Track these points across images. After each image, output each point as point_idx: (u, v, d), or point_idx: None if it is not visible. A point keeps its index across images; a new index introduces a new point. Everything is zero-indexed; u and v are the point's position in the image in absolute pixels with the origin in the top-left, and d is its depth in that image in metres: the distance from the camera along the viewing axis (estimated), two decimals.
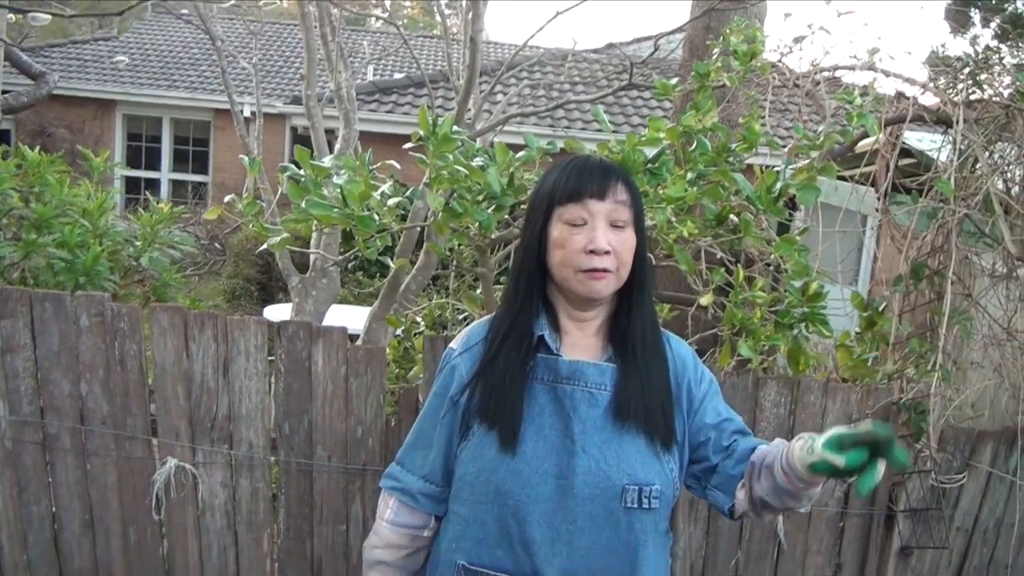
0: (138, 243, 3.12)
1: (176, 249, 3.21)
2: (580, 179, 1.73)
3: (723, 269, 2.69)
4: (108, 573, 2.79)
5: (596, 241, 1.67)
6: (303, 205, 2.45)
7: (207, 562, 2.79)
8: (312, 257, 5.43)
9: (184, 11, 19.34)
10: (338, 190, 2.46)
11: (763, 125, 3.08)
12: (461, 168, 2.43)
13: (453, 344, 1.89)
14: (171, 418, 2.68)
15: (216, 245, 10.88)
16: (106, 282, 2.93)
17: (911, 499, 2.94)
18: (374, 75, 14.21)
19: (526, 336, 1.77)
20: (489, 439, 1.76)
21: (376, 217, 2.46)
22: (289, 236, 2.68)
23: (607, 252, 1.67)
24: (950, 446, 2.96)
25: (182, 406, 2.68)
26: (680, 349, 1.89)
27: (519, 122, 7.90)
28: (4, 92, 6.79)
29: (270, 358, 2.68)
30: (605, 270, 1.69)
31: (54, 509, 2.77)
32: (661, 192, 2.40)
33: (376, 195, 2.57)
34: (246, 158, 2.96)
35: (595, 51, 10.51)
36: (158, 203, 3.48)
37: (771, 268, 2.82)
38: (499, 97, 10.17)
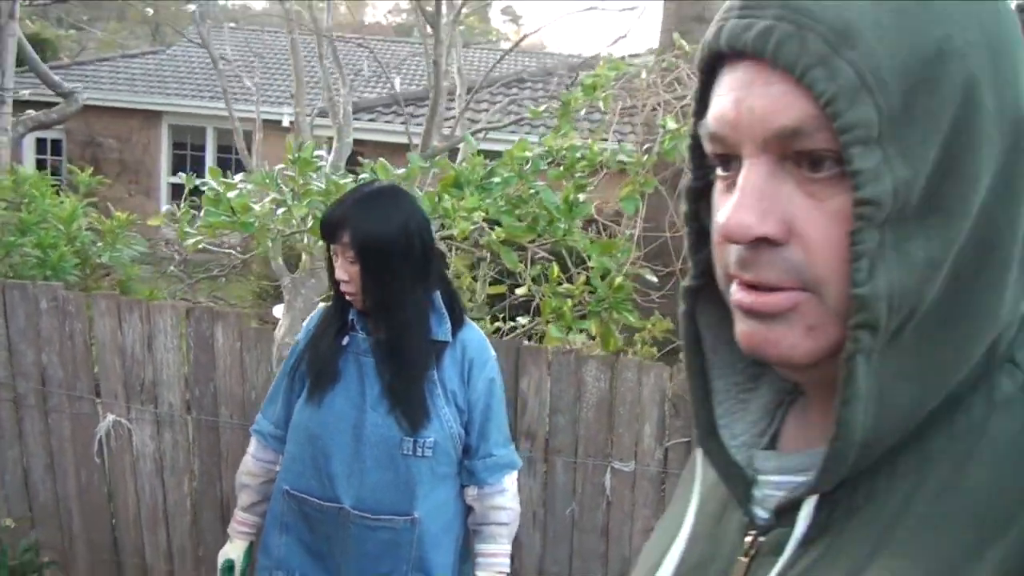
0: (99, 244, 3.84)
1: (133, 249, 3.92)
2: (322, 230, 2.39)
3: (549, 265, 3.32)
4: (66, 507, 3.50)
5: (338, 274, 2.34)
6: (203, 215, 3.14)
7: (142, 500, 3.48)
8: (303, 258, 6.15)
9: (231, 23, 20.28)
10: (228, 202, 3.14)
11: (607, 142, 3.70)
12: (321, 185, 3.10)
13: (303, 323, 2.60)
14: (110, 382, 3.39)
15: (236, 251, 11.64)
16: (69, 275, 3.65)
17: None
18: (400, 87, 14.97)
19: (342, 320, 2.45)
20: (308, 395, 2.45)
21: (256, 222, 3.13)
22: (201, 239, 3.36)
23: (347, 282, 2.33)
24: None
25: (118, 373, 3.37)
26: (473, 337, 2.52)
27: (512, 131, 8.54)
28: (37, 110, 7.62)
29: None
30: (351, 293, 2.35)
31: (23, 456, 3.50)
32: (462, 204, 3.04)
33: (266, 205, 3.24)
34: (183, 175, 3.67)
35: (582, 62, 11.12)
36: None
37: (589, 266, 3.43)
38: (485, 106, 10.81)
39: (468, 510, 2.53)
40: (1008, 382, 0.67)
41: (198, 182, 3.53)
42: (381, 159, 3.48)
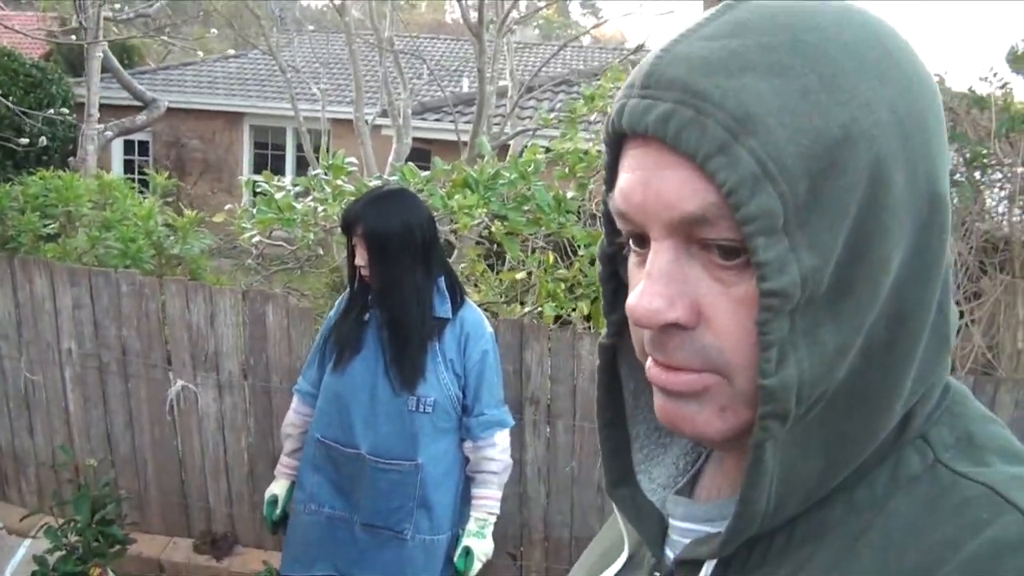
0: (171, 237, 4.48)
1: (202, 242, 4.55)
2: (342, 225, 2.91)
3: (547, 252, 3.85)
4: (142, 458, 4.15)
5: (357, 261, 2.87)
6: (255, 212, 3.74)
7: (206, 453, 4.11)
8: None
9: (311, 27, 21.05)
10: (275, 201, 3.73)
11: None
12: (352, 186, 3.67)
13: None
14: (179, 353, 4.01)
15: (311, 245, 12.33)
16: (146, 264, 4.28)
17: None
18: (469, 87, 15.53)
19: (363, 301, 3.01)
20: (334, 362, 3.03)
21: (299, 219, 3.72)
22: (255, 232, 3.96)
23: (364, 267, 2.86)
24: None
25: (186, 345, 4.00)
26: (471, 315, 3.06)
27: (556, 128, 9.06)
28: (124, 113, 8.34)
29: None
30: (368, 276, 2.88)
31: (106, 413, 4.15)
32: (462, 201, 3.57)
33: (309, 204, 3.83)
34: (242, 178, 4.27)
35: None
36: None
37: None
38: (545, 104, 11.28)
39: (466, 460, 3.08)
40: (917, 460, 0.67)
41: (255, 182, 4.14)
42: (409, 164, 4.03)
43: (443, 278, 2.97)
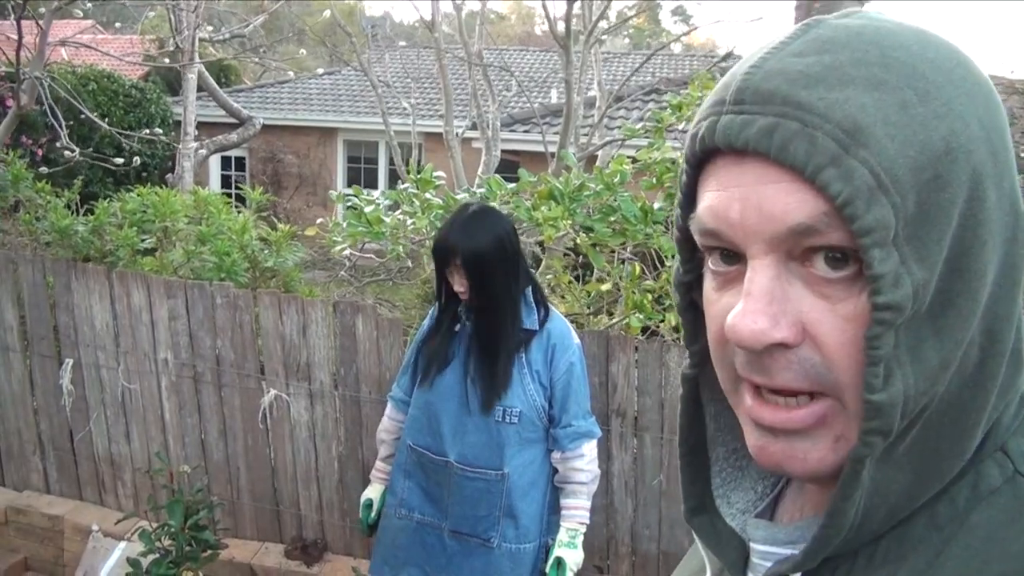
0: (266, 251, 4.58)
1: (295, 255, 4.64)
2: (437, 255, 2.91)
3: (632, 264, 3.83)
4: (235, 465, 4.24)
5: (456, 288, 2.88)
6: (345, 226, 3.81)
7: (298, 460, 4.18)
8: None
9: (403, 43, 21.35)
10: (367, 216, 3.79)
11: None
12: (439, 199, 3.71)
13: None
14: (272, 363, 4.10)
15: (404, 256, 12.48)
16: (240, 277, 4.39)
17: None
18: (557, 98, 15.57)
19: (453, 314, 3.04)
20: (424, 372, 3.07)
21: (387, 232, 3.77)
22: (345, 246, 4.03)
23: (463, 291, 2.87)
24: None
25: (279, 355, 4.08)
26: (558, 326, 3.06)
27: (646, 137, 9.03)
28: (222, 130, 8.57)
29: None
30: (468, 299, 2.90)
31: (200, 422, 4.26)
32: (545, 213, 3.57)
33: (398, 217, 3.88)
34: (333, 193, 4.36)
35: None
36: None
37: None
38: (635, 113, 11.24)
39: (554, 470, 3.09)
40: (996, 472, 0.66)
41: (346, 195, 4.21)
42: (496, 176, 4.06)
43: (530, 290, 2.99)
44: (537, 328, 2.97)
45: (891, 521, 0.66)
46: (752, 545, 0.77)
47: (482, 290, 2.86)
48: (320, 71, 17.26)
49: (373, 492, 3.30)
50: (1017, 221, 0.64)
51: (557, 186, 3.69)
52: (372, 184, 17.04)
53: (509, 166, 8.90)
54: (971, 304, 0.61)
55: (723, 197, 0.65)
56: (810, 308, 0.62)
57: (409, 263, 5.59)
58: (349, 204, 3.97)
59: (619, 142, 7.59)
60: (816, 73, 0.61)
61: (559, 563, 2.99)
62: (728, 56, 6.08)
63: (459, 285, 2.87)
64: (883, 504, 0.64)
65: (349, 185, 16.80)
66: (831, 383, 0.63)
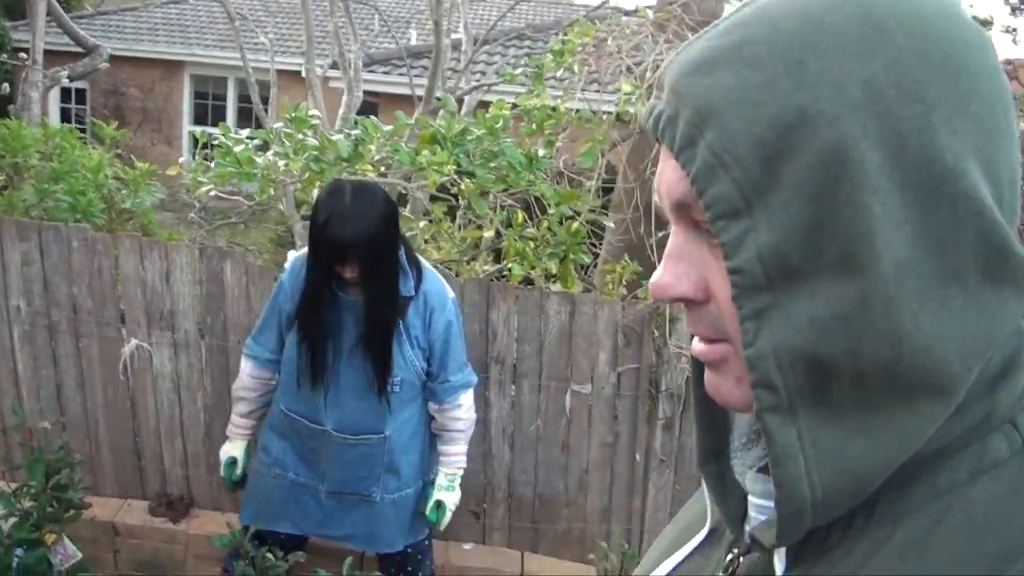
0: (122, 191, 4.33)
1: (154, 196, 4.40)
2: (329, 254, 2.73)
3: (515, 211, 3.77)
4: (94, 418, 4.02)
5: (347, 275, 2.75)
6: (214, 166, 3.61)
7: (161, 413, 3.99)
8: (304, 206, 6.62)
9: None
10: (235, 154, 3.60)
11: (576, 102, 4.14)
12: (315, 140, 3.56)
13: (286, 265, 3.07)
14: (133, 311, 3.88)
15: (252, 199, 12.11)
16: (97, 219, 4.13)
17: (669, 386, 3.99)
18: (417, 40, 15.29)
19: (328, 281, 2.87)
20: (299, 339, 2.93)
21: (260, 173, 3.59)
22: (212, 187, 3.83)
23: (353, 277, 2.74)
24: None
25: (140, 303, 3.86)
26: (433, 286, 2.96)
27: (521, 83, 8.94)
28: (64, 60, 8.05)
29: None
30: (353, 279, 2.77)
31: (56, 374, 4.01)
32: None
33: (268, 158, 3.70)
34: (196, 130, 4.13)
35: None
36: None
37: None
38: (497, 59, 11.16)
39: (431, 419, 3.04)
40: (1003, 445, 0.66)
41: (211, 134, 3.99)
42: (372, 117, 3.92)
43: (402, 252, 2.89)
44: (413, 294, 2.89)
45: (865, 489, 0.65)
46: (750, 498, 0.79)
47: (375, 276, 2.77)
48: None
49: (236, 449, 3.18)
50: (939, 178, 0.62)
51: (440, 130, 3.59)
52: (220, 121, 16.34)
53: (367, 108, 8.68)
54: (849, 263, 0.62)
55: (657, 172, 0.74)
56: (711, 268, 0.69)
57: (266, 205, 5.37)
58: (215, 143, 3.76)
59: (485, 88, 7.48)
60: (702, 59, 0.68)
61: (439, 505, 3.00)
62: (604, 3, 6.05)
63: (350, 273, 2.75)
64: (845, 474, 0.64)
65: (196, 122, 16.16)
66: (727, 334, 0.69)
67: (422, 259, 3.01)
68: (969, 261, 0.63)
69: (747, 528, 0.78)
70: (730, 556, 0.79)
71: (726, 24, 0.69)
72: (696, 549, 0.87)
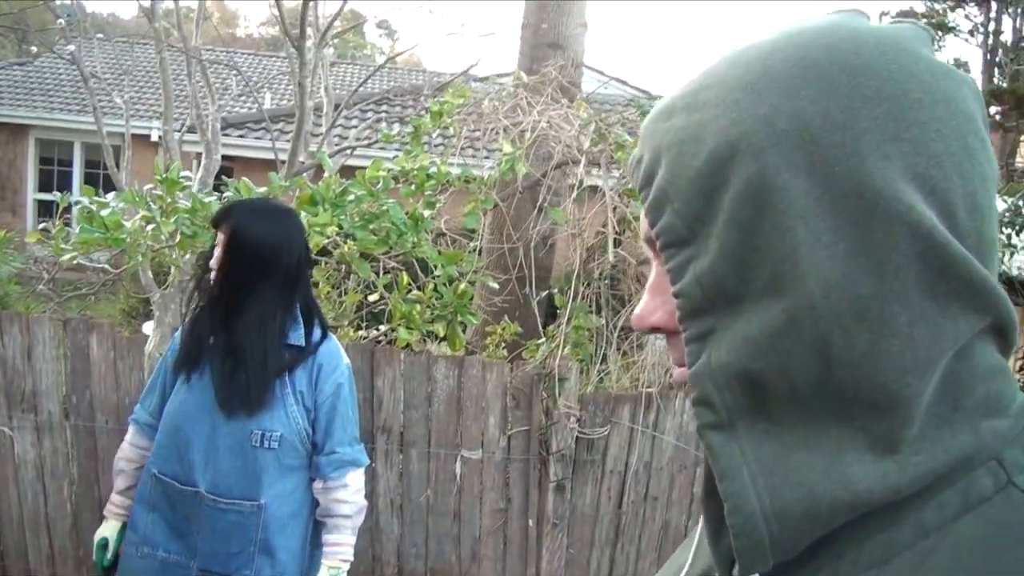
0: None
1: (10, 266, 4.13)
2: (214, 216, 2.72)
3: (399, 274, 3.68)
4: None
5: (212, 261, 2.66)
6: (77, 232, 3.40)
7: (24, 505, 3.70)
8: (172, 272, 6.35)
9: (100, 34, 19.93)
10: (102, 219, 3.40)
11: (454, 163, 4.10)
12: (187, 202, 3.40)
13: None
14: None
15: (108, 267, 11.63)
16: None
17: (560, 447, 3.94)
18: (271, 103, 15.09)
19: (212, 323, 2.74)
20: (175, 389, 2.76)
21: (128, 238, 3.40)
22: (75, 254, 3.61)
23: (216, 269, 2.64)
24: (591, 405, 3.96)
25: (0, 384, 3.60)
26: (328, 346, 2.84)
27: (381, 147, 8.86)
28: None
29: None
30: (215, 278, 2.66)
31: None
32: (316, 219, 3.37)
33: (136, 222, 3.51)
34: (59, 195, 3.90)
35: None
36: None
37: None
38: (356, 123, 11.10)
39: (316, 502, 2.87)
40: (989, 482, 0.66)
41: (72, 199, 3.77)
42: (244, 179, 3.77)
43: (297, 306, 2.77)
44: (302, 344, 2.76)
45: (816, 501, 0.65)
46: None
47: (235, 280, 2.63)
48: (13, 59, 15.75)
49: (108, 530, 2.95)
50: (870, 201, 0.63)
51: (318, 191, 3.48)
52: (66, 188, 15.74)
53: (225, 172, 8.43)
54: (779, 284, 0.65)
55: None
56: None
57: (117, 275, 5.13)
58: (77, 206, 3.55)
59: (349, 151, 7.38)
60: (666, 106, 0.74)
61: None
62: (465, 72, 6.07)
63: (215, 260, 2.64)
64: (791, 485, 0.65)
65: (41, 189, 15.47)
66: None
67: (331, 334, 2.87)
68: (911, 280, 0.63)
69: (735, 574, 0.78)
70: None
71: (706, 70, 0.73)
72: None
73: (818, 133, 0.64)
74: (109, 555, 2.91)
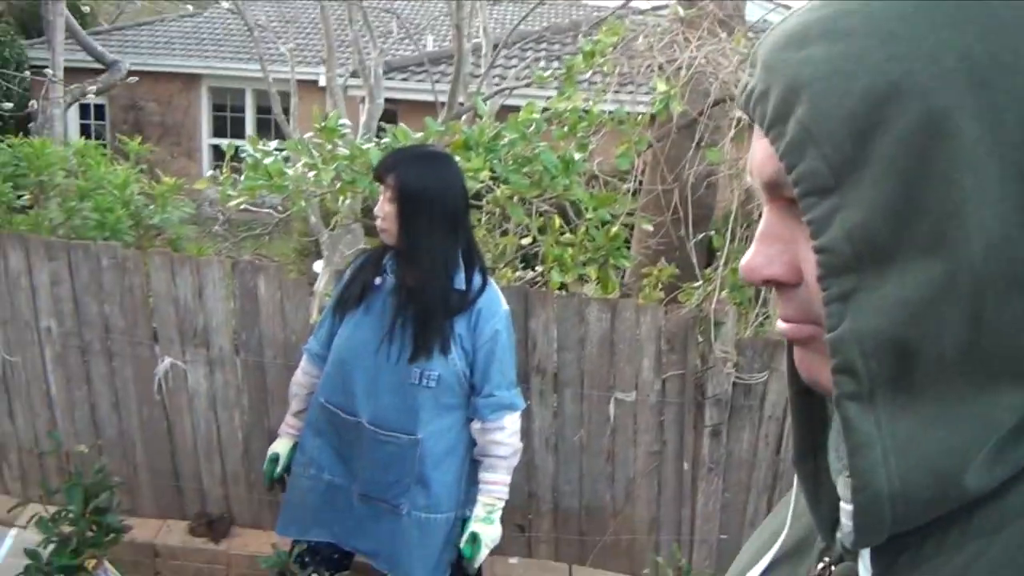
0: (150, 207, 4.26)
1: (182, 211, 4.34)
2: (375, 170, 2.80)
3: (551, 217, 3.68)
4: (130, 440, 3.96)
5: (376, 209, 2.73)
6: (243, 180, 3.54)
7: (197, 432, 3.93)
8: (336, 217, 6.55)
9: None
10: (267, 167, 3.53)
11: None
12: (346, 150, 3.48)
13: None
14: (166, 329, 3.81)
15: (277, 210, 12.08)
16: (126, 236, 4.07)
17: (716, 391, 3.88)
18: (433, 46, 15.23)
19: (379, 264, 2.84)
20: (340, 327, 2.88)
21: (291, 185, 3.52)
22: (242, 200, 3.76)
23: (382, 219, 2.71)
24: (748, 351, 3.88)
25: (173, 320, 3.80)
26: (489, 294, 2.88)
27: (540, 87, 8.86)
28: (83, 77, 8.02)
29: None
30: (384, 230, 2.74)
31: (90, 395, 3.95)
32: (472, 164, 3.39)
33: (299, 169, 3.63)
34: (222, 143, 4.06)
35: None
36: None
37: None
38: (515, 63, 11.07)
39: (473, 442, 2.93)
40: None
41: (238, 147, 3.92)
42: (402, 124, 3.84)
43: (460, 252, 2.82)
44: (463, 288, 2.81)
45: (944, 489, 0.61)
46: (842, 505, 0.74)
47: (409, 231, 2.71)
48: (189, 8, 16.38)
49: (281, 446, 3.13)
50: None
51: (472, 135, 3.51)
52: (239, 134, 16.38)
53: (388, 116, 8.59)
54: (940, 243, 0.59)
55: (750, 151, 0.72)
56: (803, 250, 0.66)
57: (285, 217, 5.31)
58: (243, 155, 3.69)
59: (507, 92, 7.39)
60: (796, 33, 0.66)
61: (474, 538, 2.83)
62: (625, 4, 5.95)
63: (380, 208, 2.73)
64: (923, 465, 0.61)
65: (215, 135, 16.17)
66: (817, 317, 0.65)
67: (491, 279, 2.91)
68: None
69: (838, 536, 0.74)
70: (821, 565, 0.76)
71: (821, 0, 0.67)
72: (783, 557, 0.83)
73: (988, 74, 0.59)
74: (279, 469, 3.09)
